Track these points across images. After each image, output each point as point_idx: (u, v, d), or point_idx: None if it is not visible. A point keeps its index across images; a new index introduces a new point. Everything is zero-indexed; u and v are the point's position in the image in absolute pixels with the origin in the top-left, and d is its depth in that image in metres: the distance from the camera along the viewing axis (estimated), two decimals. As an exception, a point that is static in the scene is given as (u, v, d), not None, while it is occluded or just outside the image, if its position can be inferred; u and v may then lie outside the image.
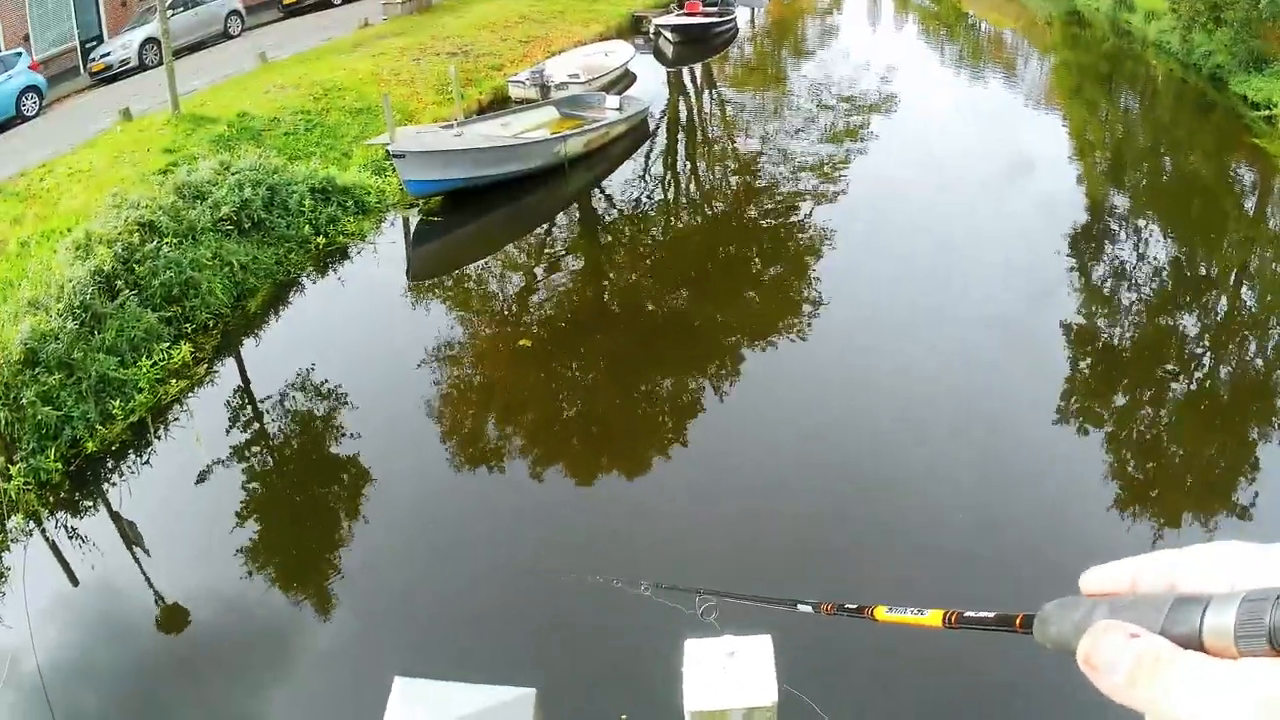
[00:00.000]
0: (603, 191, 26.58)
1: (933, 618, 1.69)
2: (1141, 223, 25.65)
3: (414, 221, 23.83)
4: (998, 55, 52.45)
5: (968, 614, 1.58)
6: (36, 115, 31.43)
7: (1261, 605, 0.83)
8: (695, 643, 9.28)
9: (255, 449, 15.47)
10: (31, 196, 22.26)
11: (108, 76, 35.40)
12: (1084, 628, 0.98)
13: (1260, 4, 34.70)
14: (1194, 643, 0.87)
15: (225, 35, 40.99)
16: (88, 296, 16.57)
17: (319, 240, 21.82)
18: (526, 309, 20.22)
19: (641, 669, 9.83)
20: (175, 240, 18.84)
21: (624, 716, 9.91)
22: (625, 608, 9.75)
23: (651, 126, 31.67)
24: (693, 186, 28.47)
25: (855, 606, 1.73)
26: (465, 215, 23.97)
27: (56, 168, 23.69)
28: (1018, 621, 1.31)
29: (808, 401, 15.84)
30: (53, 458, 14.38)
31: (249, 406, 16.64)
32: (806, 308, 19.41)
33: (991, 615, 1.47)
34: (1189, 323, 19.71)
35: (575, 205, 25.97)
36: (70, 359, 15.52)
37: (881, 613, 1.70)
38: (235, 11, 42.13)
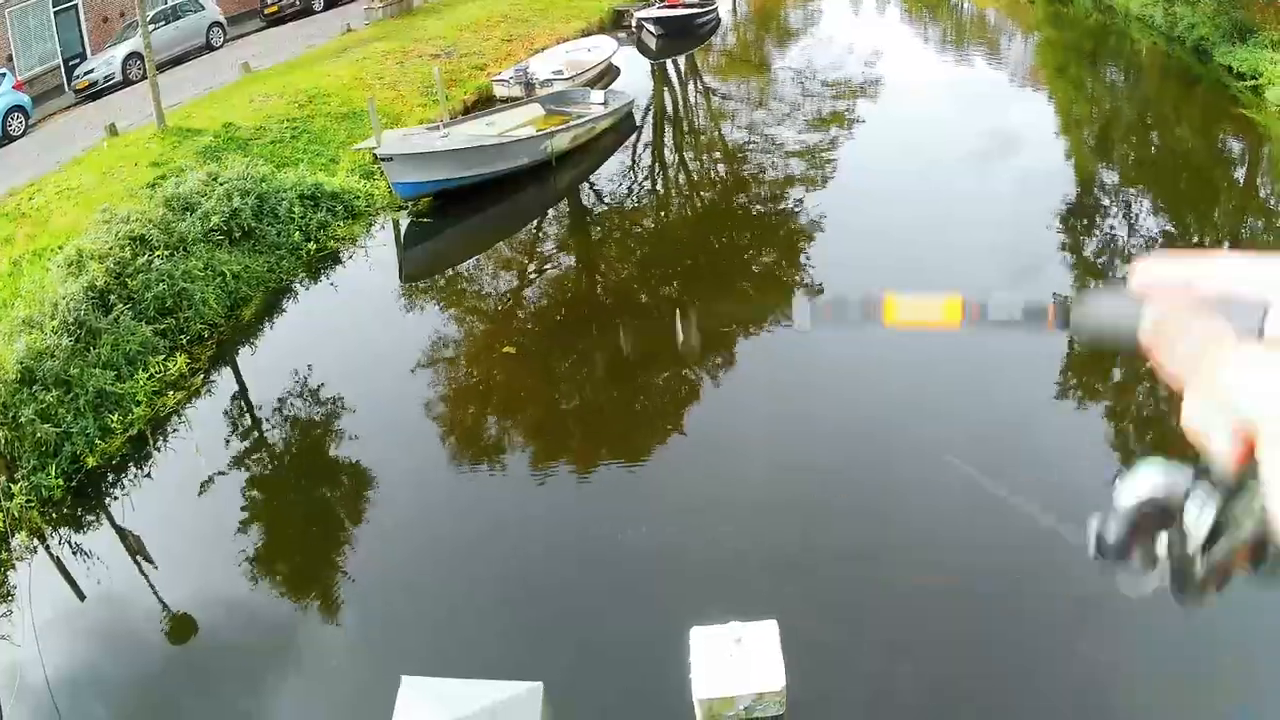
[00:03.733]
0: (591, 186, 26.59)
1: (950, 309, 1.54)
2: (1132, 197, 25.81)
3: (404, 224, 23.83)
4: (981, 35, 52.50)
5: (990, 307, 1.46)
6: (23, 135, 31.31)
7: None
8: (701, 630, 9.37)
9: (255, 457, 15.50)
10: (21, 216, 22.26)
11: (93, 93, 35.24)
12: (1142, 316, 1.06)
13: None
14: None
15: (208, 47, 40.84)
16: (82, 312, 16.59)
17: (310, 246, 21.79)
18: (519, 306, 20.26)
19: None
20: (166, 253, 18.87)
21: None
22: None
23: (637, 120, 31.65)
24: (680, 178, 28.48)
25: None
26: (455, 215, 23.98)
27: (45, 186, 23.69)
28: (1049, 316, 1.30)
29: (803, 387, 15.86)
30: (54, 474, 14.40)
31: (247, 415, 16.68)
32: (799, 293, 19.33)
33: (1019, 306, 1.39)
34: None
35: (564, 201, 26.00)
36: (67, 375, 15.55)
37: (891, 308, 1.50)
38: (217, 23, 42.01)
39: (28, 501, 14.04)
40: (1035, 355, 15.71)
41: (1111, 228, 23.39)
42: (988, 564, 11.26)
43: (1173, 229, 23.28)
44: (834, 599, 11.32)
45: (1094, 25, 51.97)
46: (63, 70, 38.11)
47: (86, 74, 35.86)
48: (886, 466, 13.58)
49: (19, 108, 31.80)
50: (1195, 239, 22.89)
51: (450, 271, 22.34)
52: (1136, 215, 24.14)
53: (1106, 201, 25.14)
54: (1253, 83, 32.89)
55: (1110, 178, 27.85)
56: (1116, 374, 16.09)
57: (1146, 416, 15.17)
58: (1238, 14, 36.80)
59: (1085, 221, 23.41)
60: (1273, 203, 26.34)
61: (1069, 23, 54.41)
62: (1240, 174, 28.60)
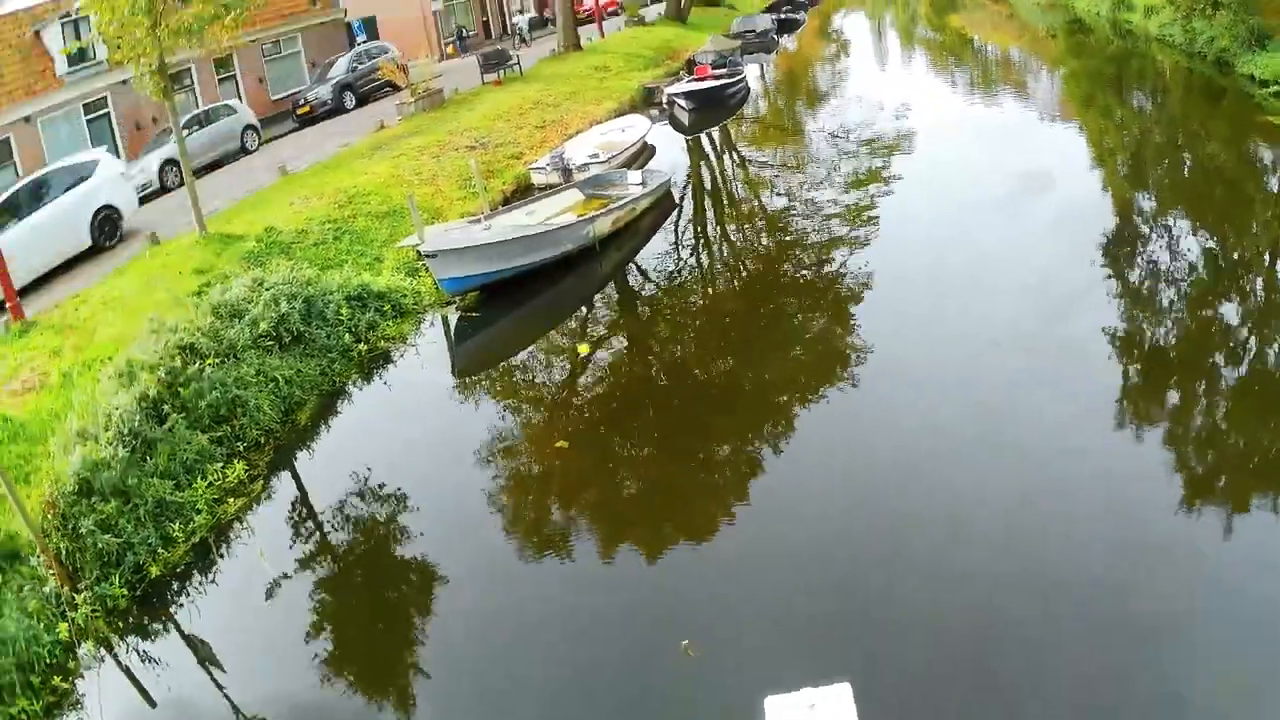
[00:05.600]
0: (637, 266, 26.46)
1: None
2: (1171, 220, 25.76)
3: (453, 319, 23.70)
4: (1007, 75, 53.12)
5: None
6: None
7: None
8: (775, 699, 9.20)
9: (319, 559, 15.28)
10: (68, 328, 22.24)
11: (131, 202, 35.49)
12: None
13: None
14: None
15: (243, 151, 41.41)
16: (136, 423, 16.47)
17: (360, 347, 21.71)
18: (575, 394, 20.04)
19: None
20: (217, 360, 18.79)
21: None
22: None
23: (677, 196, 31.67)
24: (724, 250, 28.34)
25: None
26: (503, 307, 23.85)
27: (90, 297, 23.69)
28: None
29: (866, 450, 15.66)
30: (117, 584, 14.28)
31: (309, 518, 16.47)
32: (853, 355, 19.25)
33: None
34: (1234, 311, 19.69)
35: (611, 284, 25.84)
36: (125, 486, 15.43)
37: None
38: (251, 126, 42.59)
39: (93, 611, 13.89)
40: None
41: (1154, 253, 23.18)
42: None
43: (1215, 247, 23.09)
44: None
45: (1116, 51, 52.53)
46: (101, 181, 38.43)
47: (125, 183, 36.09)
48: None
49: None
50: (1237, 255, 22.68)
51: (503, 364, 22.09)
52: (1177, 238, 23.90)
53: (1145, 229, 25.10)
54: (1276, 88, 33.03)
55: (1147, 203, 27.93)
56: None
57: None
58: (1254, 20, 37.47)
59: (1127, 250, 23.30)
60: None
61: (1091, 51, 55.04)
62: (1275, 183, 28.50)
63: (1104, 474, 13.97)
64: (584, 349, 18.83)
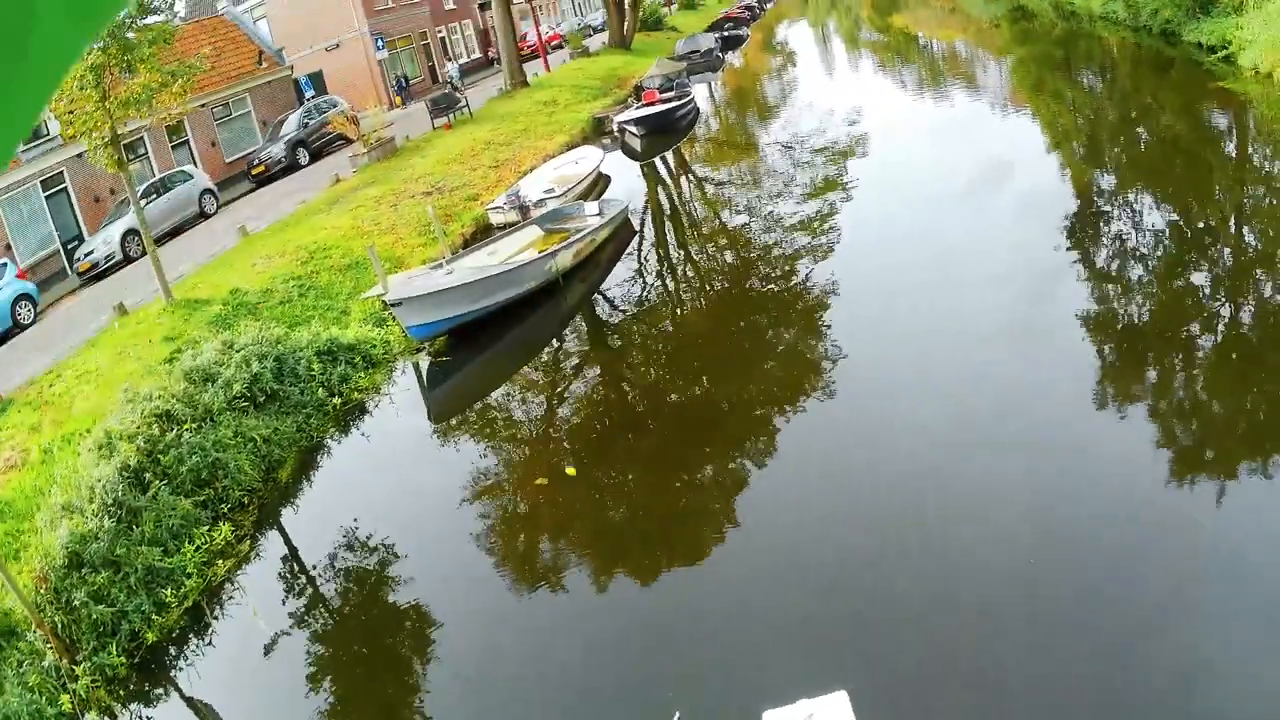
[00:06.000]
0: (603, 296, 26.72)
1: None
2: (1132, 196, 26.07)
3: (424, 365, 23.90)
4: (955, 69, 53.54)
5: None
6: (33, 323, 31.65)
7: None
8: (773, 713, 9.36)
9: (311, 612, 15.46)
10: (44, 403, 22.38)
11: (96, 274, 35.78)
12: None
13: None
14: None
15: (202, 215, 41.53)
16: (119, 493, 16.68)
17: (335, 401, 21.84)
18: (552, 429, 20.23)
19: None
20: (194, 425, 18.95)
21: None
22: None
23: (636, 223, 31.99)
24: (688, 270, 28.62)
25: None
26: (472, 350, 24.06)
27: (64, 372, 23.84)
28: None
29: (847, 455, 15.84)
30: (115, 653, 14.48)
31: (298, 573, 16.64)
32: (826, 364, 19.46)
33: None
34: (1204, 278, 19.88)
35: (578, 316, 26.09)
36: (114, 555, 15.64)
37: None
38: (208, 190, 42.73)
39: (93, 681, 14.08)
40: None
41: (1118, 230, 23.47)
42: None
43: (1178, 219, 23.41)
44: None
45: (1061, 34, 53.12)
46: (62, 254, 38.75)
47: (87, 255, 36.40)
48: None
49: (26, 296, 32.14)
50: (1200, 223, 23.01)
51: (477, 406, 22.26)
52: (1140, 213, 24.27)
53: (1107, 207, 25.35)
54: (1224, 53, 33.46)
55: (1105, 181, 28.25)
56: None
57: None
58: (1196, -13, 37.56)
59: (1091, 231, 23.55)
60: (1268, 167, 26.56)
61: (1037, 37, 55.61)
62: (1231, 148, 28.88)
63: (1087, 455, 14.20)
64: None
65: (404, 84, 65.88)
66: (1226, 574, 11.21)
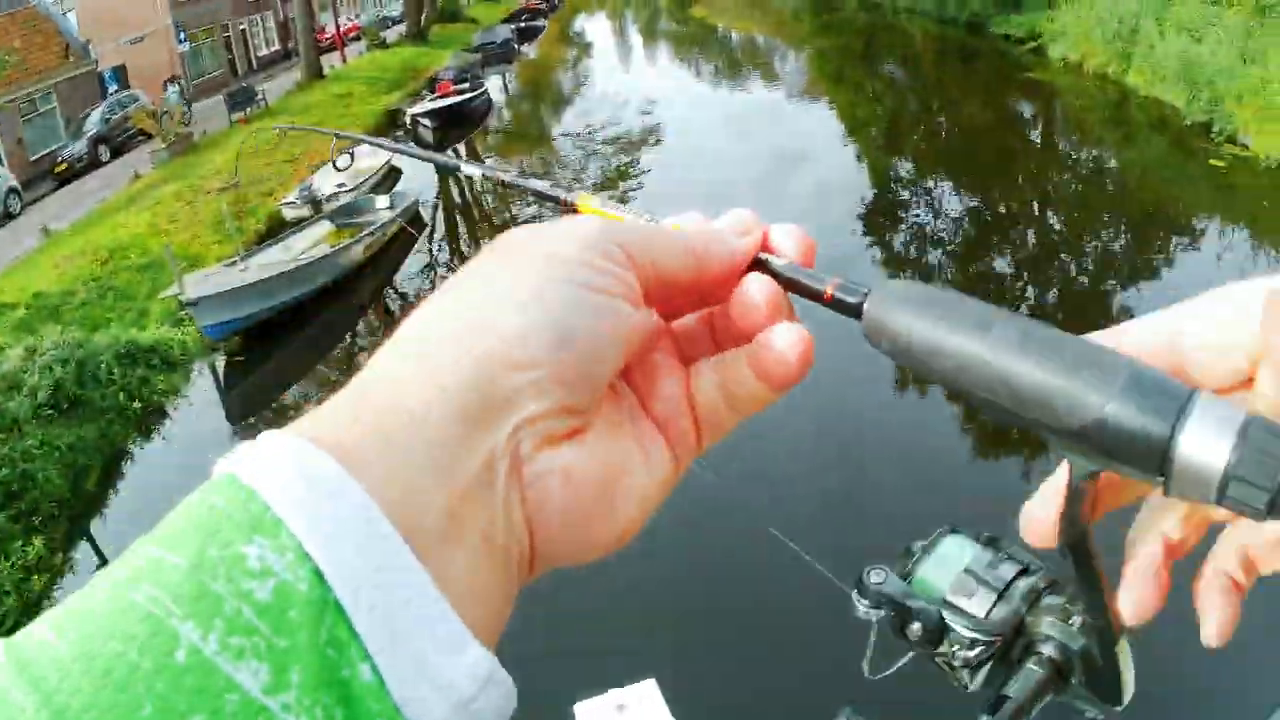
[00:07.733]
0: (395, 289, 27.88)
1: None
2: (932, 183, 27.45)
3: (220, 365, 24.26)
4: (753, 61, 54.28)
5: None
6: None
7: None
8: (584, 704, 9.28)
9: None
10: None
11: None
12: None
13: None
14: None
15: (7, 216, 40.98)
16: (-76, 514, 16.56)
17: (135, 406, 21.84)
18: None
19: None
20: (2, 436, 19.06)
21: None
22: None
23: (427, 216, 33.01)
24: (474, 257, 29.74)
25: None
26: (268, 348, 24.49)
27: None
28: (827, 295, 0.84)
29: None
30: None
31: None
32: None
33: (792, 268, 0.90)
34: (1006, 263, 21.23)
35: (371, 310, 27.05)
36: (-80, 582, 15.51)
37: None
38: (13, 189, 42.19)
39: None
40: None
41: (916, 216, 24.62)
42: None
43: (978, 204, 24.85)
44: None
45: (864, 25, 53.94)
46: None
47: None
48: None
49: None
50: (1003, 208, 24.60)
51: (274, 404, 22.91)
52: (939, 199, 25.64)
53: (906, 194, 26.62)
54: (1033, 44, 35.16)
55: (905, 168, 29.58)
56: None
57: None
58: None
59: (886, 218, 24.57)
60: (1073, 155, 28.41)
61: (838, 28, 56.21)
62: (1036, 135, 30.56)
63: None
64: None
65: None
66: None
